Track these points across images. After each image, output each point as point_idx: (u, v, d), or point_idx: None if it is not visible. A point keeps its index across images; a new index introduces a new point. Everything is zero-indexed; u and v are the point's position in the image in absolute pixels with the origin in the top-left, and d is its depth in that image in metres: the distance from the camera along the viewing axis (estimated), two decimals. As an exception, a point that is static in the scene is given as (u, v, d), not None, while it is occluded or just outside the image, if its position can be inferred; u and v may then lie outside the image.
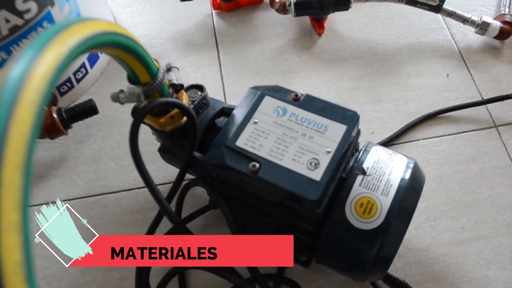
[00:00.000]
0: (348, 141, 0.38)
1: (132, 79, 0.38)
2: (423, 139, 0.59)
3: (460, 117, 0.61)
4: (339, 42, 0.68)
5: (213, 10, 0.72)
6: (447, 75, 0.64)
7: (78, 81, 0.63)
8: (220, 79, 0.65)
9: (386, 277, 0.49)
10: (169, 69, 0.42)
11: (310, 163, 0.36)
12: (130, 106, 0.48)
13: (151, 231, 0.48)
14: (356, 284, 0.49)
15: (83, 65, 0.63)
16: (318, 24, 0.67)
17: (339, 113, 0.39)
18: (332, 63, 0.66)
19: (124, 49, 0.33)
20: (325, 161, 0.36)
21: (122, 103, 0.39)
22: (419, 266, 0.51)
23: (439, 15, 0.69)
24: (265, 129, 0.39)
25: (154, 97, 0.39)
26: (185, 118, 0.43)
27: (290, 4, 0.64)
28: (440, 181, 0.56)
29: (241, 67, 0.66)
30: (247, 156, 0.38)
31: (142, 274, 0.49)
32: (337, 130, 0.38)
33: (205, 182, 0.43)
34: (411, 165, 0.41)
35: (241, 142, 0.38)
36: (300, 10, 0.64)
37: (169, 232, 0.48)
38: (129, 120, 0.62)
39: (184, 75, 0.65)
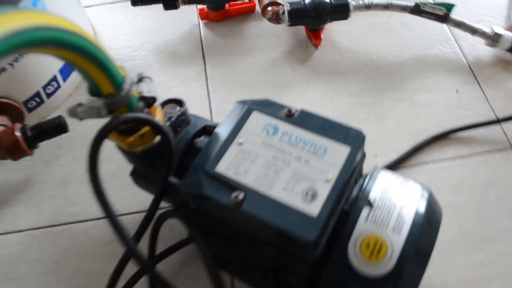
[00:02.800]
0: (352, 166, 0.31)
1: (93, 90, 0.31)
2: (432, 162, 0.53)
3: (472, 137, 0.54)
4: (338, 55, 0.62)
5: (200, 20, 0.66)
6: (457, 91, 0.58)
7: (48, 95, 0.57)
8: (207, 94, 0.59)
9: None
10: (140, 79, 0.36)
11: (306, 194, 0.30)
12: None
13: (117, 273, 0.41)
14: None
15: (54, 78, 0.57)
16: (315, 35, 0.61)
17: (341, 132, 0.33)
18: (330, 77, 0.60)
19: (76, 51, 0.27)
20: (324, 191, 0.30)
21: (80, 119, 0.32)
22: (432, 310, 0.44)
23: (445, 26, 0.64)
24: (252, 151, 0.32)
25: (120, 112, 0.33)
26: (158, 137, 0.36)
27: (283, 13, 0.58)
28: (452, 210, 0.49)
29: (230, 81, 0.60)
30: (230, 184, 0.31)
31: None
32: (338, 153, 0.31)
33: (181, 214, 0.36)
34: (426, 195, 0.35)
35: (222, 167, 0.32)
36: (294, 19, 0.58)
37: (137, 274, 0.41)
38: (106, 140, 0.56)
39: (167, 90, 0.59)
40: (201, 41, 0.64)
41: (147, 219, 0.40)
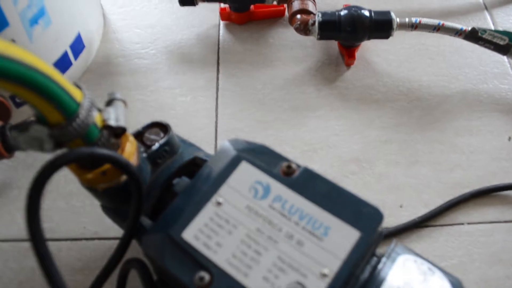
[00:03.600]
0: (360, 258, 0.23)
1: (39, 117, 0.25)
2: (468, 223, 0.44)
3: (522, 198, 0.45)
4: (372, 78, 0.53)
5: (220, 20, 0.59)
6: (509, 138, 0.49)
7: (40, 90, 0.51)
8: (215, 108, 0.51)
9: None
10: (110, 102, 0.29)
11: (291, 291, 0.22)
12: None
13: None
14: None
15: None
16: (348, 52, 0.53)
17: (352, 207, 0.25)
18: (360, 104, 0.51)
19: (3, 78, 0.20)
20: (316, 290, 0.22)
21: (23, 150, 0.26)
22: None
23: (505, 58, 0.54)
24: (231, 216, 0.25)
25: (75, 144, 0.26)
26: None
27: (313, 24, 0.50)
28: (486, 287, 0.41)
29: (244, 96, 0.52)
30: (196, 259, 0.24)
31: None
32: (344, 238, 0.23)
33: (142, 269, 0.29)
34: (456, 295, 0.26)
35: (190, 234, 0.24)
36: (325, 32, 0.50)
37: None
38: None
39: (171, 98, 0.52)
40: (218, 44, 0.57)
41: (111, 263, 0.33)
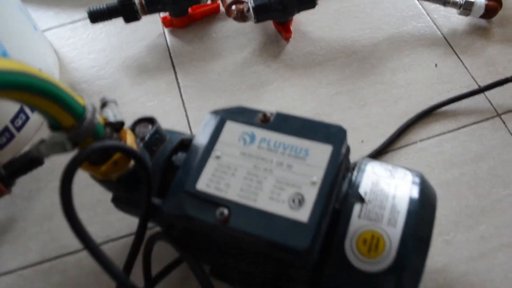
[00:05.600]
0: (337, 165, 0.30)
1: (53, 125, 0.30)
2: (420, 141, 0.52)
3: (457, 110, 0.53)
4: (310, 45, 0.60)
5: (164, 28, 0.64)
6: (436, 65, 0.57)
7: (18, 129, 0.55)
8: (182, 105, 0.57)
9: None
10: (104, 104, 0.34)
11: (293, 200, 0.28)
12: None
13: None
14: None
15: (21, 110, 0.54)
16: (284, 28, 0.60)
17: (321, 130, 0.31)
18: (306, 70, 0.58)
19: (24, 90, 0.25)
20: (311, 195, 0.28)
21: (45, 156, 0.30)
22: (440, 292, 0.43)
23: (416, 1, 0.63)
24: (230, 163, 0.31)
25: (86, 143, 0.31)
26: (133, 161, 0.34)
27: (248, 10, 0.56)
28: (448, 187, 0.49)
29: (204, 88, 0.58)
30: (213, 201, 0.29)
31: None
32: (321, 153, 0.30)
33: (169, 236, 0.35)
34: (418, 181, 0.33)
35: (202, 184, 0.30)
36: (260, 14, 0.56)
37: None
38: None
39: (140, 106, 0.57)
40: (169, 50, 0.62)
41: (135, 246, 0.38)
